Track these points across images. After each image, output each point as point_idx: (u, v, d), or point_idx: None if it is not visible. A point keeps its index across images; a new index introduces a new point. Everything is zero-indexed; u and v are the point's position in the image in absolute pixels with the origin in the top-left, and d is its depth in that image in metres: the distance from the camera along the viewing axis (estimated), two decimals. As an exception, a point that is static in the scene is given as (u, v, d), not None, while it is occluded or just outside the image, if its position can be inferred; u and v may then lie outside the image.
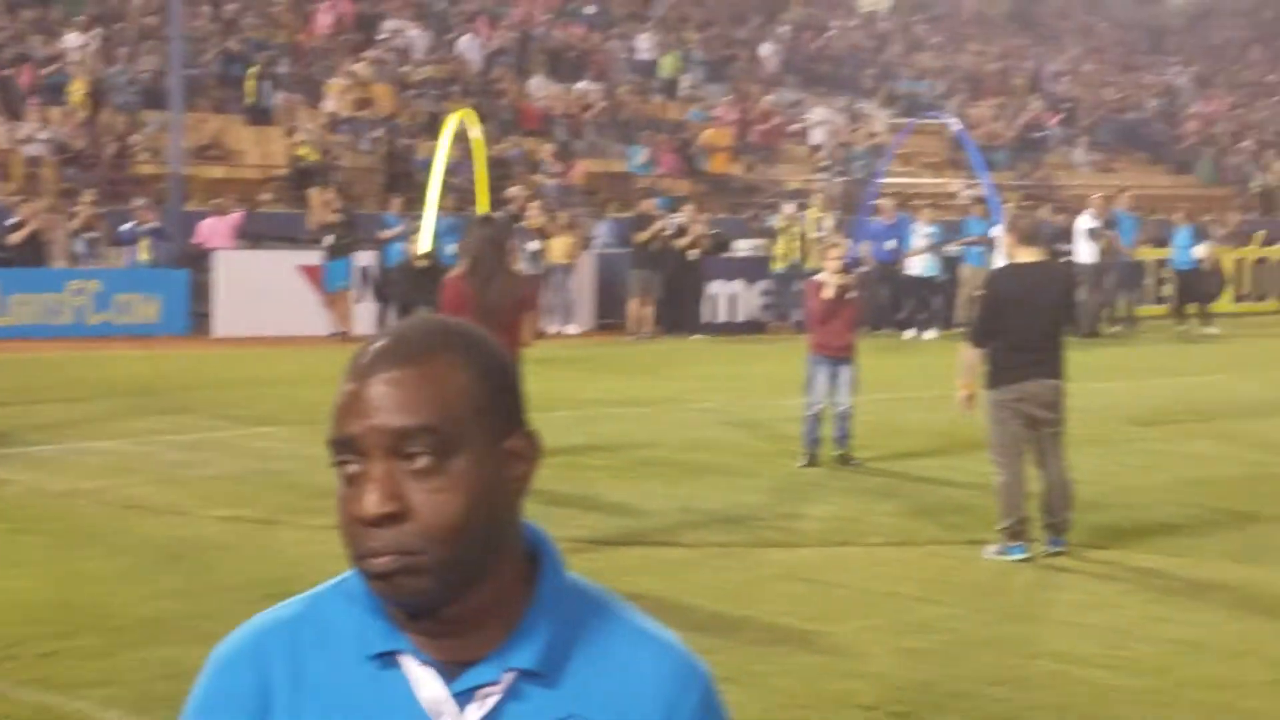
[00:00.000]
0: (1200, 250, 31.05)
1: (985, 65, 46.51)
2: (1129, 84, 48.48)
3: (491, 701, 2.15)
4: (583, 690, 2.18)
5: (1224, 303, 33.58)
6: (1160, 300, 32.54)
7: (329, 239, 26.43)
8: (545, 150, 33.15)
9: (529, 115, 35.03)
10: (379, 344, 2.16)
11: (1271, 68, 54.05)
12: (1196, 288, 31.12)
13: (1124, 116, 45.24)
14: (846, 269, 16.06)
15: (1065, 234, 29.81)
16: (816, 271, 16.35)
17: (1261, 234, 37.18)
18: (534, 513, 10.41)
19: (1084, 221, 30.34)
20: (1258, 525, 13.09)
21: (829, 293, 15.35)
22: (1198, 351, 27.56)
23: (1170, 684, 8.89)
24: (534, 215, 28.10)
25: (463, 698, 2.15)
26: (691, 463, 15.63)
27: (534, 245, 27.65)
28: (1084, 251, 29.99)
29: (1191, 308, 30.93)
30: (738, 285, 29.84)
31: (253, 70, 33.00)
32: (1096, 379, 20.95)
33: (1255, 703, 8.62)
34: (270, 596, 2.69)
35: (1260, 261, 36.17)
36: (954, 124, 31.77)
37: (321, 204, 27.01)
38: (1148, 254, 32.40)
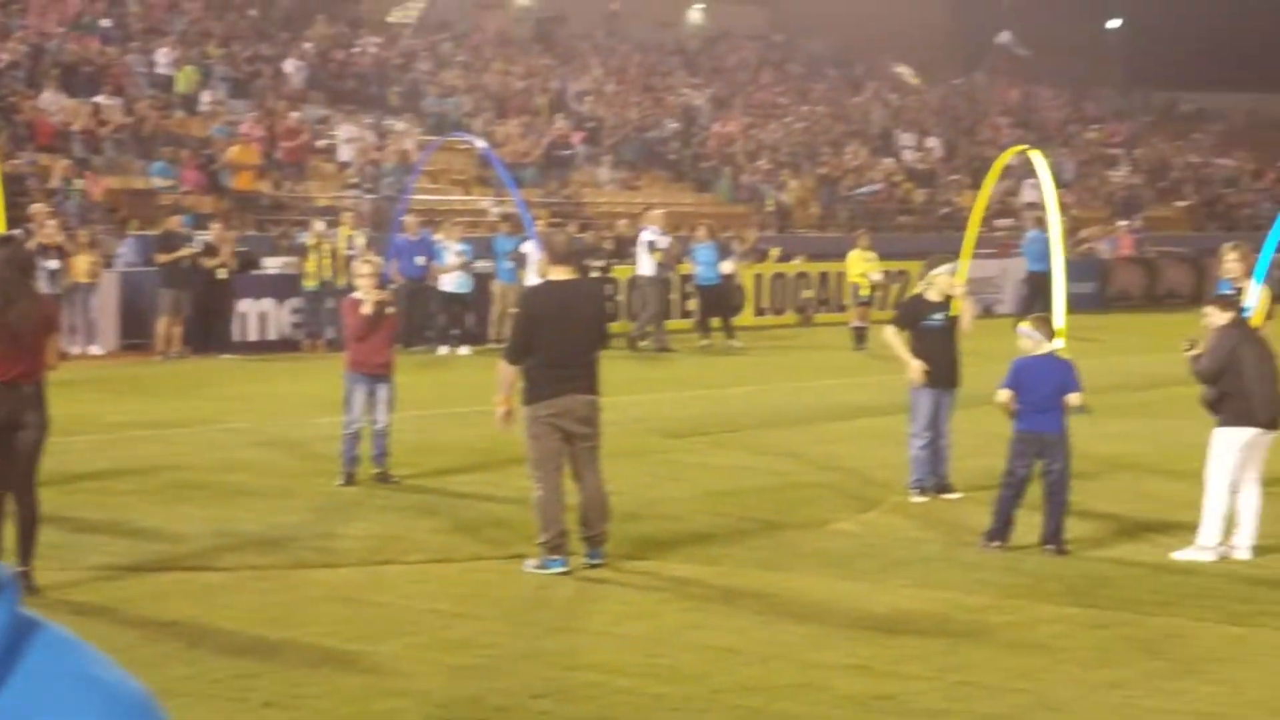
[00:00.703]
0: (728, 266, 32.00)
1: (511, 84, 46.99)
2: (650, 104, 49.63)
3: None
4: None
5: (746, 317, 34.65)
6: (686, 315, 33.35)
7: None
8: (61, 166, 32.03)
9: (43, 130, 33.80)
10: None
11: (783, 90, 56.07)
12: (720, 302, 32.03)
13: (646, 135, 46.29)
14: (382, 285, 16.02)
15: (594, 250, 30.34)
16: (349, 289, 16.23)
17: (778, 250, 38.52)
18: (61, 539, 10.00)
19: (646, 235, 31.04)
20: (785, 533, 13.51)
21: (367, 309, 15.27)
22: (723, 364, 28.37)
23: (707, 690, 9.11)
24: (53, 233, 27.12)
25: None
26: (225, 484, 15.33)
27: (53, 264, 26.69)
28: (644, 264, 30.68)
29: (716, 322, 31.81)
30: (268, 303, 29.40)
31: None
32: (629, 392, 21.37)
33: (786, 705, 8.90)
34: None
35: (778, 277, 37.48)
36: (479, 143, 31.96)
37: None
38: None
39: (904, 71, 57.54)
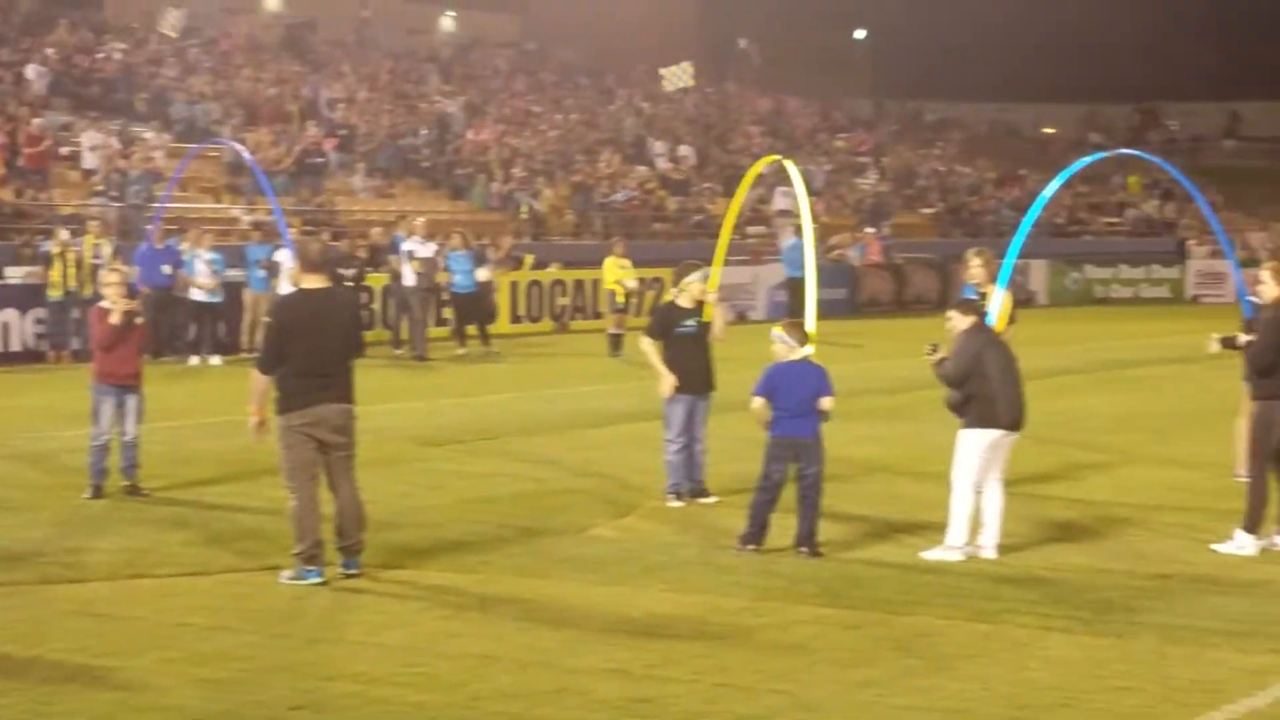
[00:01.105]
0: (484, 274, 31.97)
1: (261, 91, 46.39)
2: (403, 111, 49.36)
3: None
4: None
5: (502, 324, 34.65)
6: (442, 323, 33.23)
7: None
8: None
9: None
10: None
11: (536, 98, 56.14)
12: (475, 310, 31.98)
13: (400, 143, 46.03)
14: (131, 295, 15.74)
15: (348, 259, 30.15)
16: (96, 299, 15.92)
17: (532, 257, 38.57)
18: None
19: (407, 244, 30.91)
20: (542, 539, 13.53)
21: (115, 319, 15.01)
22: (480, 372, 28.31)
23: (465, 698, 9.11)
24: None
25: None
26: (-31, 500, 14.95)
27: None
28: (407, 274, 30.54)
29: (472, 329, 31.76)
30: (11, 314, 28.65)
31: None
32: (385, 401, 21.27)
33: (545, 710, 8.92)
34: None
35: (534, 284, 37.52)
36: (241, 150, 31.55)
37: None
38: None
39: (680, 71, 57.91)
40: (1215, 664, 9.79)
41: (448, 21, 64.28)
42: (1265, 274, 13.45)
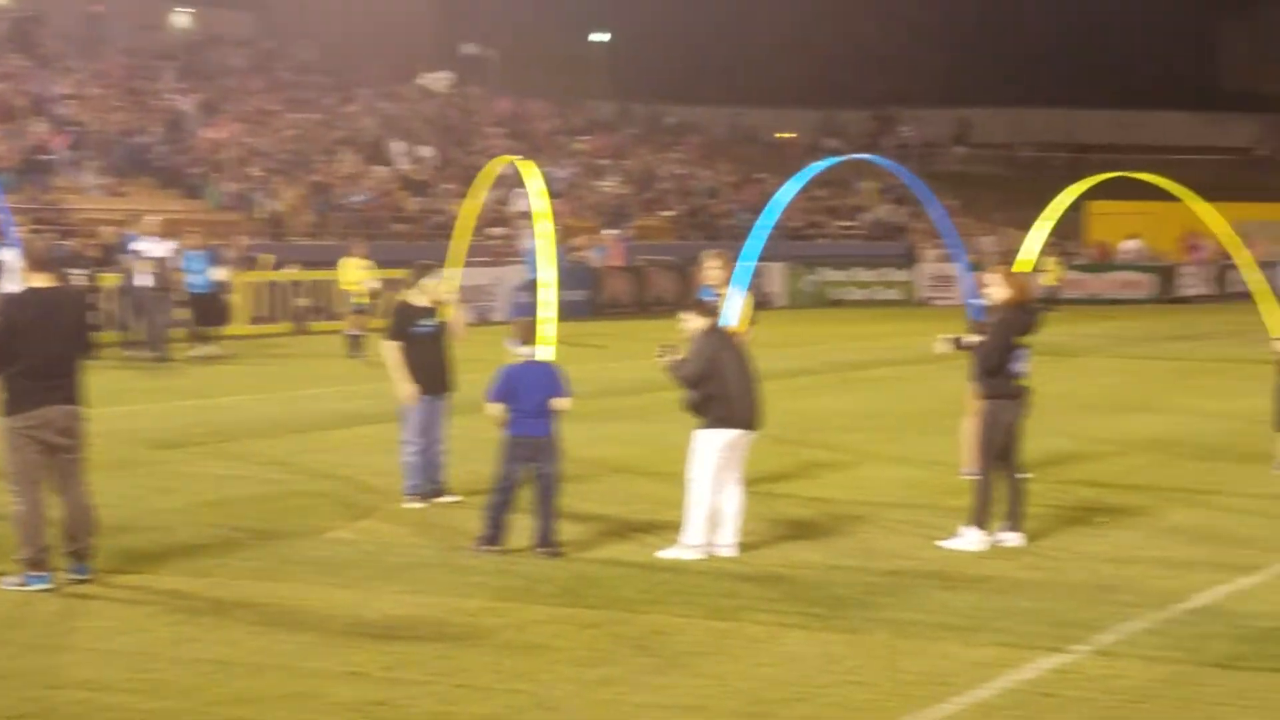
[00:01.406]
0: (220, 274, 31.54)
1: (-14, 86, 45.20)
2: (136, 108, 48.39)
3: None
4: None
5: (239, 325, 34.16)
6: (176, 324, 32.63)
7: None
8: None
9: None
10: None
11: (273, 97, 55.42)
12: (211, 311, 31.52)
13: (132, 140, 45.12)
14: None
15: (78, 258, 29.50)
16: None
17: (271, 257, 38.11)
18: None
19: (137, 244, 30.31)
20: (279, 542, 13.38)
21: None
22: (214, 374, 27.90)
23: (199, 704, 8.97)
24: None
25: None
26: None
27: None
28: (141, 274, 29.94)
29: (207, 330, 31.28)
30: None
31: None
32: (117, 403, 20.87)
33: (280, 714, 8.84)
34: None
35: (272, 284, 37.07)
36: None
37: None
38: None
39: (439, 79, 57.62)
40: (943, 657, 10.01)
41: (183, 18, 63.11)
42: (993, 277, 13.85)
